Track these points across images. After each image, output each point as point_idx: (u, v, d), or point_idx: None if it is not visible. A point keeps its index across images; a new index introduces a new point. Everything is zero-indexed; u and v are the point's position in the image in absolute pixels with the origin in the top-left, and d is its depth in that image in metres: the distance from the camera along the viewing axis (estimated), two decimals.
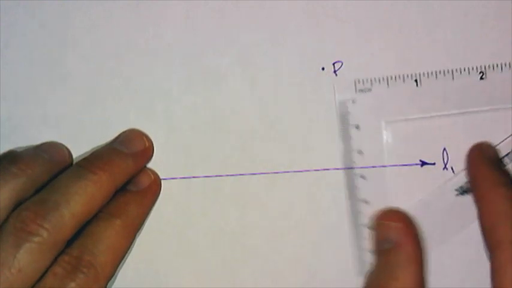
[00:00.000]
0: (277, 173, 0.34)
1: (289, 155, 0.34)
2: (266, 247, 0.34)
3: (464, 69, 0.33)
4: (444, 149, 0.34)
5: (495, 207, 0.30)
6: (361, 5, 0.34)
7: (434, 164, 0.34)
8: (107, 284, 0.31)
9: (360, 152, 0.34)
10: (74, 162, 0.34)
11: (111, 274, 0.31)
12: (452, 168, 0.34)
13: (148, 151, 0.34)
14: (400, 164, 0.34)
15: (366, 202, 0.34)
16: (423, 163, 0.34)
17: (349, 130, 0.34)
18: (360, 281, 0.32)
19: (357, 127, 0.34)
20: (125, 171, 0.33)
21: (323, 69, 0.34)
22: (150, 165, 0.34)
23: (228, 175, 0.34)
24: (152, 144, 0.34)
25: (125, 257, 0.33)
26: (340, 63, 0.34)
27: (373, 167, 0.34)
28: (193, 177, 0.34)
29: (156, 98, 0.34)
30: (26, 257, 0.29)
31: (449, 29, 0.34)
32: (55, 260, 0.30)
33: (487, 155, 0.33)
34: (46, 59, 0.34)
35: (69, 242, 0.31)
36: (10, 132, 0.34)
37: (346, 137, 0.34)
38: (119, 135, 0.34)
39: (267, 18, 0.34)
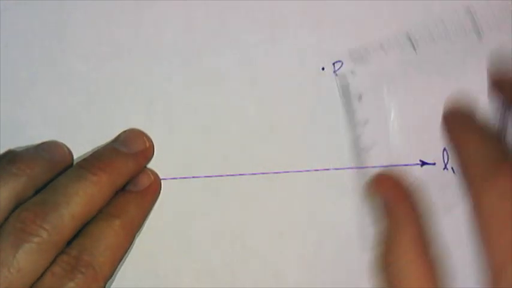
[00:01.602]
0: (277, 173, 0.34)
1: (289, 155, 0.34)
2: (266, 247, 0.34)
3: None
4: (444, 149, 0.34)
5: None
6: (361, 5, 0.34)
7: (434, 164, 0.34)
8: (105, 284, 0.31)
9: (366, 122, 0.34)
10: (75, 161, 0.34)
11: (110, 274, 0.31)
12: (452, 169, 0.34)
13: (148, 151, 0.34)
14: (401, 164, 0.34)
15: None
16: (423, 163, 0.34)
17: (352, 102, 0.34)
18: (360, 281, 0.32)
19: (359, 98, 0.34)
20: (125, 172, 0.33)
21: (323, 69, 0.34)
22: (150, 165, 0.34)
23: (228, 175, 0.34)
24: (153, 144, 0.34)
25: (125, 257, 0.33)
26: (340, 63, 0.34)
27: (373, 167, 0.34)
28: (193, 177, 0.34)
29: (156, 98, 0.34)
30: (25, 257, 0.29)
31: None
32: (54, 260, 0.30)
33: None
34: (46, 59, 0.34)
35: (69, 242, 0.31)
36: (10, 132, 0.34)
37: (349, 110, 0.34)
38: (119, 135, 0.34)
39: (267, 18, 0.34)
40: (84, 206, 0.31)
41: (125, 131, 0.34)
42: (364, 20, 0.34)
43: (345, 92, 0.34)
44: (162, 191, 0.34)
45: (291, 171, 0.34)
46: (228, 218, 0.34)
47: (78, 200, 0.30)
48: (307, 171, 0.34)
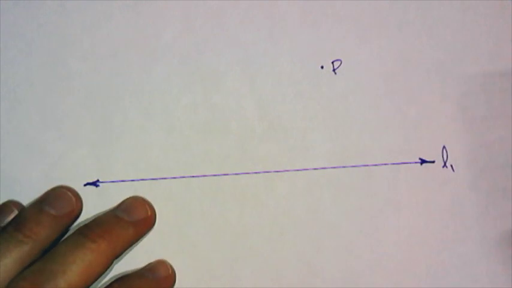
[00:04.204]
0: (276, 171, 0.34)
1: (288, 153, 0.34)
2: (266, 246, 0.34)
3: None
4: (444, 147, 0.34)
5: None
6: (360, 4, 0.34)
7: (433, 162, 0.34)
8: None
9: None
10: (74, 161, 0.34)
11: None
12: (452, 166, 0.34)
13: (150, 220, 0.34)
14: (400, 162, 0.34)
15: None
16: (422, 161, 0.34)
17: None
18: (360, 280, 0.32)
19: None
20: (125, 240, 0.32)
21: (322, 67, 0.34)
22: (150, 162, 0.34)
23: (227, 174, 0.34)
24: (155, 212, 0.34)
25: (125, 257, 0.33)
26: (339, 62, 0.34)
27: (374, 165, 0.34)
28: (193, 176, 0.34)
29: (155, 98, 0.34)
30: None
31: (447, 27, 0.34)
32: None
33: None
34: (46, 59, 0.34)
35: None
36: (10, 132, 0.34)
37: None
38: (122, 202, 0.34)
39: (266, 17, 0.34)
40: (81, 274, 0.30)
41: (128, 198, 0.34)
42: (363, 19, 0.34)
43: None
44: (162, 191, 0.34)
45: (291, 170, 0.34)
46: (228, 217, 0.34)
47: (74, 269, 0.30)
48: (306, 169, 0.34)
